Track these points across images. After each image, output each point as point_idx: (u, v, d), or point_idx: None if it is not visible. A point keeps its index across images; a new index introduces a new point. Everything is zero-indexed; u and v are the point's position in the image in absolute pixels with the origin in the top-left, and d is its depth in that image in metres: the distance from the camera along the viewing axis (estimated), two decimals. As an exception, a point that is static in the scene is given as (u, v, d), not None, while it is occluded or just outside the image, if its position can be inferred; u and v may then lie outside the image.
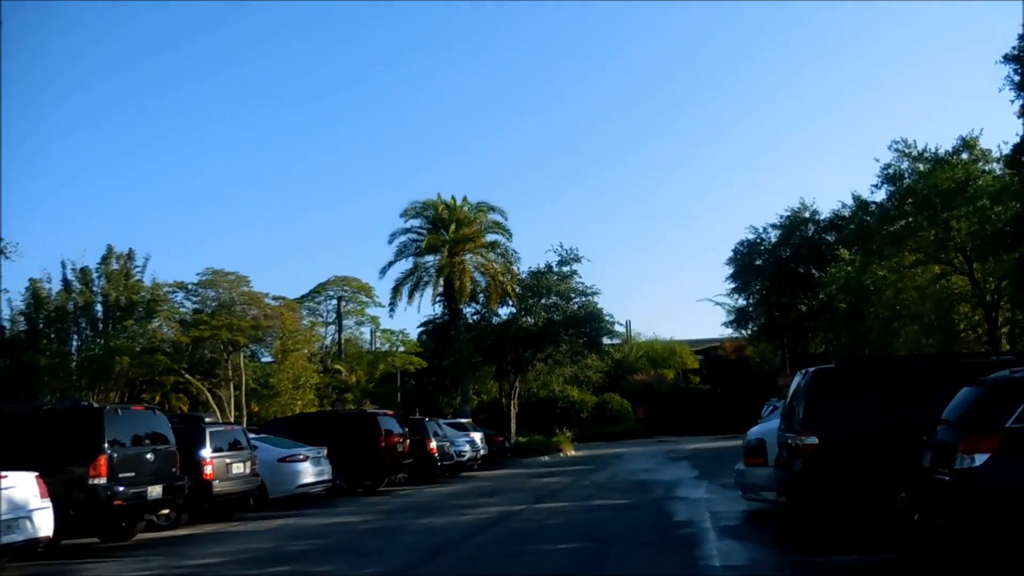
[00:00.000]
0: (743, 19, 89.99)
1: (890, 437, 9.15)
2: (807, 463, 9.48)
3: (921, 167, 25.30)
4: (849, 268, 28.74)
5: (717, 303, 48.41)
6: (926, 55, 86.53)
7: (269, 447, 18.97)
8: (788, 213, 42.29)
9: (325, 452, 19.50)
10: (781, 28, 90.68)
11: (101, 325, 33.21)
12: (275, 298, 35.88)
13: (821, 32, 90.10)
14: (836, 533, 10.01)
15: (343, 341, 49.82)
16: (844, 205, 39.00)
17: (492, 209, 40.28)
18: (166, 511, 13.82)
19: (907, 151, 26.15)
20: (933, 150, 26.11)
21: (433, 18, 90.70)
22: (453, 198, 40.15)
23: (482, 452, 29.22)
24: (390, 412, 24.08)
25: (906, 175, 25.61)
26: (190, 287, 35.11)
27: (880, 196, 27.07)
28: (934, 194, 23.56)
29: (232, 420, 30.07)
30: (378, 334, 52.98)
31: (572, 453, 36.71)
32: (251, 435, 19.71)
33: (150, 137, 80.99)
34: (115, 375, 31.12)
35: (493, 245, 40.38)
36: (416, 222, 40.00)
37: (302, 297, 50.35)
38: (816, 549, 9.53)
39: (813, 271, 39.47)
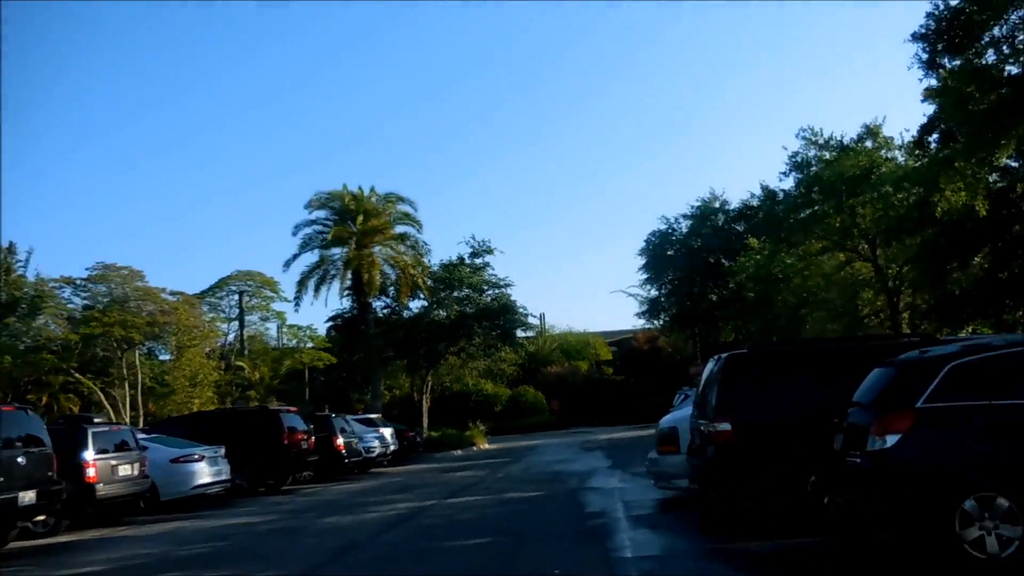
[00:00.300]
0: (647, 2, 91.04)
1: (803, 422, 8.98)
2: (720, 450, 9.22)
3: (827, 155, 25.77)
4: (758, 257, 29.12)
5: (630, 295, 48.66)
6: (837, 40, 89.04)
7: (161, 447, 17.90)
8: (699, 204, 42.83)
9: (223, 451, 18.53)
10: (690, 13, 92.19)
11: None
12: (173, 293, 34.52)
13: (733, 21, 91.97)
14: (750, 519, 9.82)
15: (247, 337, 48.30)
16: (753, 195, 39.78)
17: (401, 200, 39.42)
18: (41, 517, 12.69)
19: (814, 139, 26.55)
20: (839, 138, 26.64)
21: (335, 2, 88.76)
22: (360, 189, 39.14)
23: (392, 448, 28.51)
24: (293, 409, 23.13)
25: (813, 163, 26.04)
26: (79, 282, 33.45)
27: (789, 184, 27.57)
28: (839, 181, 23.99)
29: (127, 420, 28.60)
30: (284, 330, 51.79)
31: (486, 447, 36.31)
32: (143, 435, 18.67)
33: (35, 125, 76.85)
34: None
35: (403, 237, 39.54)
36: (322, 213, 38.84)
37: (203, 292, 48.45)
38: (730, 536, 9.31)
39: (723, 261, 40.05)
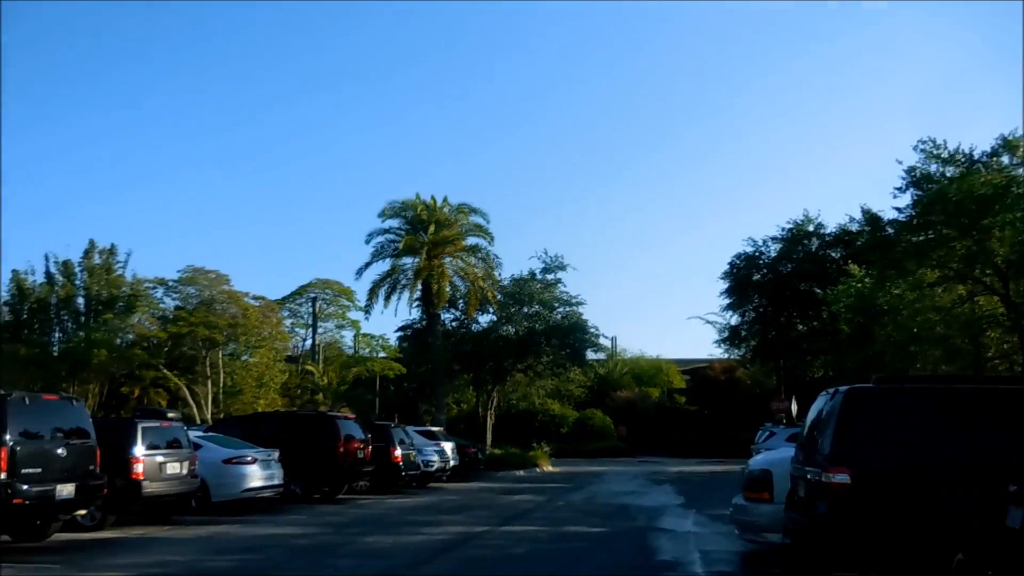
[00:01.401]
0: (743, 27, 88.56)
1: (943, 476, 7.52)
2: (835, 505, 7.82)
3: (951, 170, 23.15)
4: (859, 285, 26.79)
5: (708, 321, 46.48)
6: (942, 51, 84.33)
7: (215, 447, 17.27)
8: (790, 226, 40.31)
9: (277, 455, 17.79)
10: (784, 38, 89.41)
11: (83, 318, 33.31)
12: (255, 298, 35.86)
13: (828, 39, 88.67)
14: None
15: (323, 344, 48.75)
16: (852, 219, 37.18)
17: (474, 211, 38.60)
18: (81, 512, 12.01)
19: (936, 152, 23.72)
20: (967, 151, 23.63)
21: (418, 18, 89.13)
22: (433, 198, 38.49)
23: (452, 463, 27.45)
24: (352, 416, 22.34)
25: (935, 179, 23.45)
26: (170, 283, 35.12)
27: (904, 202, 24.61)
28: (968, 201, 21.40)
29: (209, 417, 29.83)
30: (357, 338, 52.05)
31: (549, 469, 34.99)
32: (199, 434, 18.08)
33: (136, 133, 79.17)
34: (94, 367, 31.06)
35: (474, 249, 38.76)
36: (394, 222, 38.31)
37: (283, 298, 49.61)
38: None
39: (816, 289, 37.64)
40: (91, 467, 11.86)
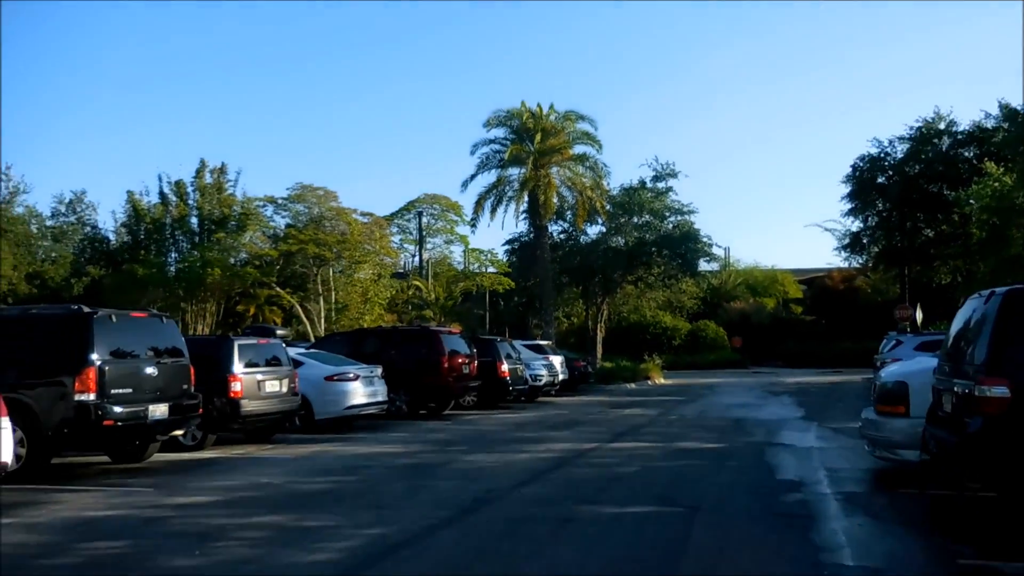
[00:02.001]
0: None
1: None
2: (990, 423, 6.64)
3: None
4: (996, 184, 24.33)
5: (827, 229, 43.90)
6: None
7: (317, 364, 17.13)
8: (919, 124, 37.06)
9: (380, 371, 17.55)
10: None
11: (197, 238, 33.83)
12: (364, 214, 35.72)
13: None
14: (1021, 523, 7.25)
15: (432, 260, 48.90)
16: (988, 115, 33.98)
17: (581, 118, 36.98)
18: (178, 432, 11.93)
19: None
20: None
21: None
22: (539, 106, 37.03)
23: (561, 377, 26.93)
24: (456, 330, 22.01)
25: None
26: (280, 201, 35.23)
27: None
28: None
29: (322, 334, 29.90)
30: (466, 253, 52.15)
31: (661, 381, 34.17)
32: (302, 351, 18.00)
33: (244, 52, 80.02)
34: (209, 287, 31.66)
35: (582, 158, 37.28)
36: (499, 132, 37.20)
37: (392, 215, 49.83)
38: (992, 546, 6.76)
39: (946, 191, 34.75)
40: (185, 386, 11.68)
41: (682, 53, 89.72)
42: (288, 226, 34.83)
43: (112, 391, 10.47)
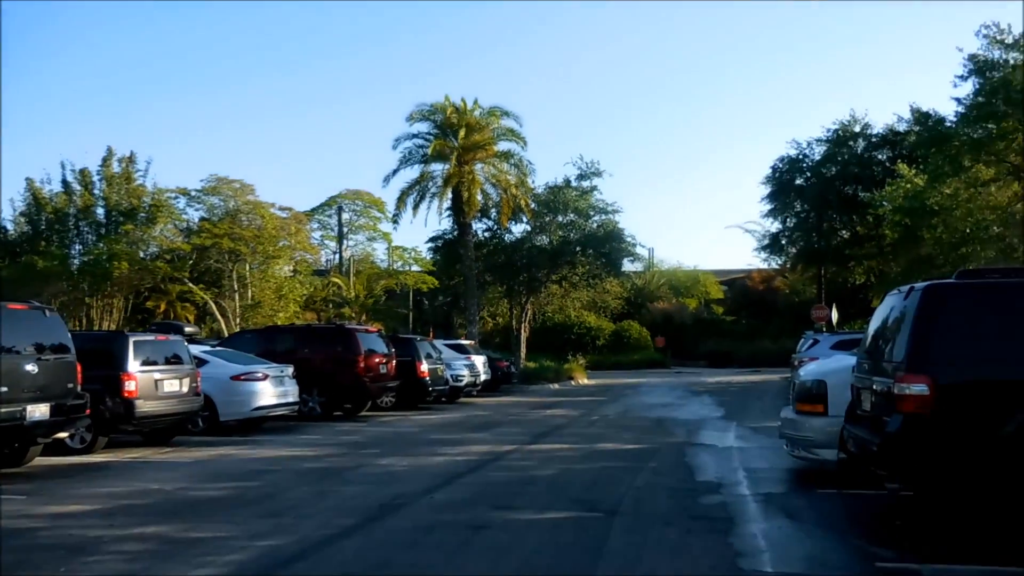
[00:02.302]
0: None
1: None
2: (910, 421, 6.44)
3: (1016, 57, 20.79)
4: (908, 186, 24.90)
5: (747, 230, 44.80)
6: None
7: (223, 362, 16.30)
8: (836, 127, 37.88)
9: (291, 371, 16.81)
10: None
11: (103, 230, 31.96)
12: (282, 208, 34.61)
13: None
14: (939, 523, 7.09)
15: (354, 258, 47.96)
16: (901, 119, 34.99)
17: (506, 114, 36.44)
18: (63, 435, 11.02)
19: (1000, 38, 21.35)
20: None
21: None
22: (464, 101, 36.41)
23: (483, 377, 26.49)
24: (373, 328, 21.38)
25: (999, 64, 21.08)
26: (193, 193, 33.91)
27: (966, 91, 22.04)
28: None
29: (237, 331, 28.49)
30: (391, 251, 51.42)
31: (585, 382, 34.07)
32: (206, 349, 17.12)
33: (155, 37, 77.29)
34: (115, 281, 30.19)
35: (506, 155, 36.81)
36: (423, 127, 36.44)
37: (312, 210, 48.65)
38: (911, 547, 6.56)
39: (860, 193, 35.57)
40: (70, 385, 10.80)
41: (606, 51, 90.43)
42: (202, 219, 33.55)
43: (-16, 391, 9.57)
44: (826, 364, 10.32)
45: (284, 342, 19.67)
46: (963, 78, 21.45)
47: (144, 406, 12.96)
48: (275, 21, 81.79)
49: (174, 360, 14.04)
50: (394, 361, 19.93)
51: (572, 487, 9.43)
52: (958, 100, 21.58)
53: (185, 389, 13.91)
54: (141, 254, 32.22)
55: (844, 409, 9.03)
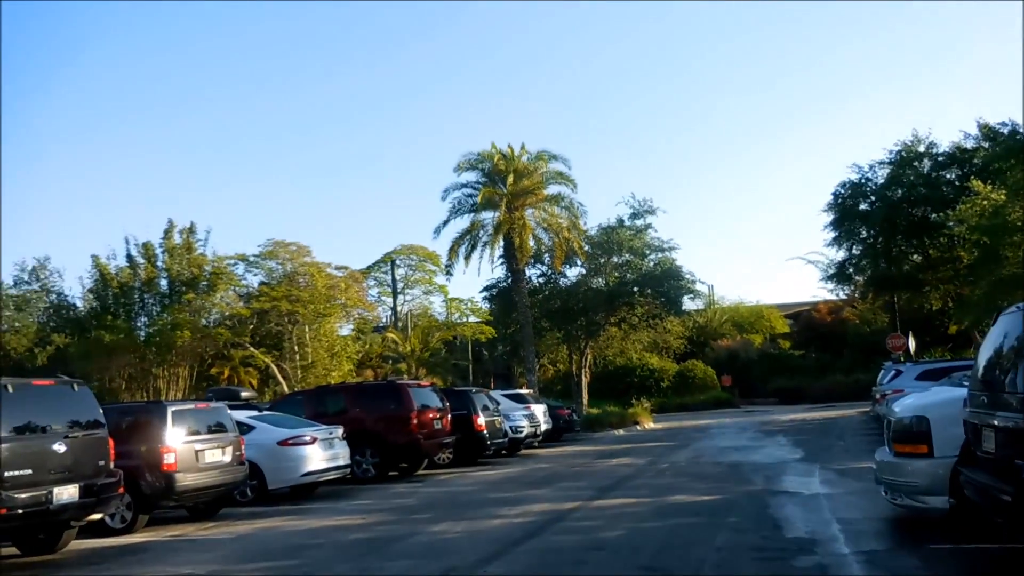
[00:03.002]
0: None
1: None
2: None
3: None
4: (986, 202, 23.31)
5: (809, 261, 42.94)
6: None
7: (270, 427, 15.63)
8: (899, 147, 36.10)
9: (340, 432, 16.06)
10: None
11: (167, 300, 32.45)
12: (338, 268, 34.73)
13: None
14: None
15: (411, 312, 47.83)
16: (967, 135, 33.29)
17: (554, 158, 35.87)
18: (95, 517, 10.35)
19: None
20: None
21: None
22: (510, 147, 35.95)
23: (544, 427, 25.48)
24: (426, 382, 20.56)
25: None
26: (251, 259, 34.24)
27: None
28: None
29: (288, 394, 28.23)
30: (444, 303, 51.27)
31: (651, 426, 32.72)
32: (253, 414, 16.50)
33: (206, 110, 79.31)
34: (179, 350, 30.34)
35: (556, 198, 36.13)
36: (471, 176, 36.05)
37: (368, 267, 48.83)
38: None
39: (930, 214, 33.79)
40: (101, 463, 10.15)
41: (655, 88, 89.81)
42: (261, 284, 33.85)
43: (7, 473, 8.96)
44: (925, 397, 9.13)
45: (335, 402, 19.02)
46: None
47: (185, 479, 12.29)
48: (323, 85, 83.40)
49: (216, 428, 13.39)
50: (449, 415, 19.09)
51: (644, 551, 8.38)
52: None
53: (228, 458, 13.23)
54: (203, 322, 32.44)
55: (952, 448, 7.91)
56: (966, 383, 8.88)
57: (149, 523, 12.42)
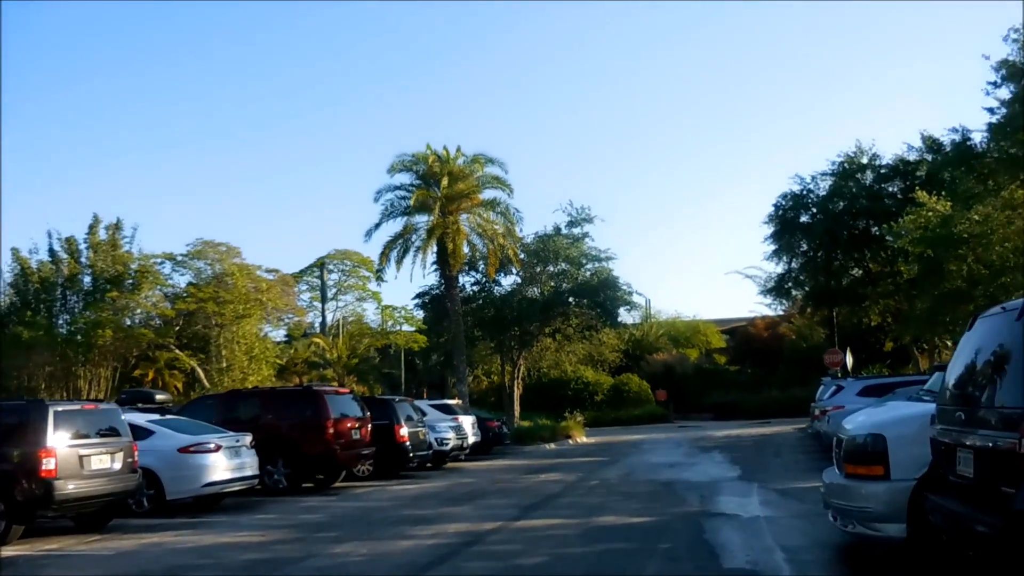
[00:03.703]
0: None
1: None
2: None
3: None
4: (931, 213, 22.94)
5: (748, 276, 42.76)
6: None
7: (171, 433, 14.31)
8: (841, 158, 35.83)
9: (248, 440, 14.79)
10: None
11: (90, 298, 31.02)
12: (269, 270, 34.04)
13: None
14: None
15: (343, 318, 46.59)
16: (911, 148, 33.21)
17: (490, 161, 34.85)
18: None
19: None
20: None
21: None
22: (446, 149, 34.92)
23: (472, 439, 24.41)
24: (345, 390, 19.35)
25: None
26: (179, 258, 33.11)
27: (1003, 97, 20.26)
28: None
29: (197, 397, 26.85)
30: (378, 310, 50.33)
31: (583, 440, 31.89)
32: (154, 418, 15.12)
33: (136, 104, 76.49)
34: (100, 349, 29.23)
35: (492, 203, 35.16)
36: (405, 178, 34.85)
37: (301, 272, 47.46)
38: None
39: (872, 227, 33.51)
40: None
41: (594, 94, 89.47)
42: (189, 284, 32.61)
43: None
44: (880, 413, 8.37)
45: (248, 408, 17.71)
46: (996, 85, 19.56)
47: (66, 487, 10.98)
48: (257, 81, 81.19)
49: (107, 432, 12.08)
50: (369, 425, 17.89)
51: (567, 581, 7.41)
52: (991, 110, 19.70)
53: (119, 465, 11.91)
54: (127, 321, 31.22)
55: (911, 470, 7.17)
56: (926, 398, 8.19)
57: (29, 534, 11.08)
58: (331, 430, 16.56)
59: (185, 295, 31.20)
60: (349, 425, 17.15)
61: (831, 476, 8.28)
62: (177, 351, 30.93)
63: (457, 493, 15.52)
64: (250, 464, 14.71)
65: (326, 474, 17.31)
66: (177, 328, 31.35)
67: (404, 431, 19.28)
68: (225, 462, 14.06)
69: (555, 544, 9.38)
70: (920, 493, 7.09)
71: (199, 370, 30.77)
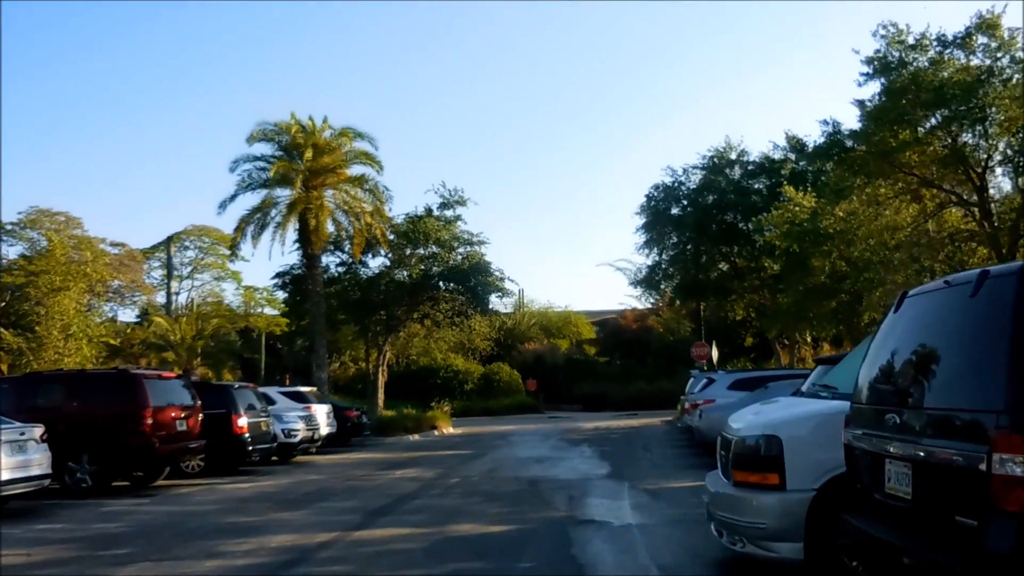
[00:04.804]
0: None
1: None
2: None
3: (919, 59, 18.73)
4: (796, 208, 22.76)
5: (618, 268, 42.54)
6: None
7: (-61, 425, 11.77)
8: (712, 153, 36.00)
9: (39, 433, 12.45)
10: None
11: None
12: (114, 244, 31.62)
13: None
14: None
15: (199, 298, 43.47)
16: (776, 146, 33.69)
17: (359, 136, 32.65)
18: None
19: (899, 38, 18.95)
20: (934, 35, 18.79)
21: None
22: (311, 120, 32.49)
23: (325, 430, 22.43)
24: (171, 374, 17.10)
25: (905, 62, 18.80)
26: (8, 227, 30.19)
27: (872, 91, 19.82)
28: (948, 86, 17.30)
29: None
30: (239, 291, 47.56)
31: (449, 431, 30.41)
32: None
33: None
34: None
35: (360, 180, 33.02)
36: (266, 148, 32.19)
37: (153, 247, 44.01)
38: None
39: (740, 222, 33.69)
40: None
41: (470, 77, 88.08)
42: (23, 256, 29.30)
43: None
44: (774, 411, 7.13)
45: (48, 394, 15.17)
46: (869, 76, 19.24)
47: None
48: (112, 31, 75.40)
49: None
50: (199, 415, 15.74)
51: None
52: (861, 103, 19.41)
53: None
54: None
55: (810, 480, 6.01)
56: (824, 394, 7.03)
57: None
58: (149, 420, 14.34)
59: (13, 268, 28.00)
60: (173, 415, 14.98)
61: (716, 484, 7.02)
62: (1, 329, 27.57)
63: (297, 493, 13.66)
64: (39, 461, 12.33)
65: (143, 471, 15.12)
66: (3, 304, 28.01)
67: (243, 421, 17.21)
68: (5, 459, 11.69)
69: (394, 564, 7.77)
70: (820, 508, 5.94)
71: (27, 350, 27.37)
